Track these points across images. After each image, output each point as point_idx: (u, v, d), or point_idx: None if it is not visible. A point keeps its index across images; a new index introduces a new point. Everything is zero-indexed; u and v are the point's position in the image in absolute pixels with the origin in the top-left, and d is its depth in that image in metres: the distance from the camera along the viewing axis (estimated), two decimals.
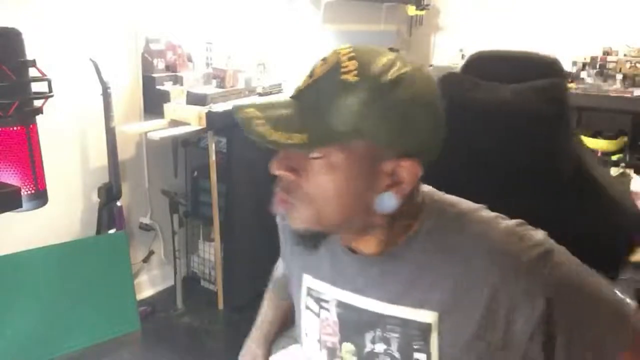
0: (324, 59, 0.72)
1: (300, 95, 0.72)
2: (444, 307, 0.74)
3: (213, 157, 2.57)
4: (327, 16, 3.55)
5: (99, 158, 2.45)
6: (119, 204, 2.43)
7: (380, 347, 0.79)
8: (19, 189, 1.53)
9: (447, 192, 0.82)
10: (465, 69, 1.08)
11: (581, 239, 0.82)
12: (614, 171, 2.71)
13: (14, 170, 1.62)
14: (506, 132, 0.98)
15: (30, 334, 2.02)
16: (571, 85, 3.59)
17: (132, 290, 2.36)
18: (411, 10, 4.21)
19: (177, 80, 2.68)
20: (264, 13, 3.11)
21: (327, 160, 0.69)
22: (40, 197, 1.69)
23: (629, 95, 3.44)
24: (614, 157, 3.56)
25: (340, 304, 0.83)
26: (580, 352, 0.74)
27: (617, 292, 0.78)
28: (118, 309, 2.28)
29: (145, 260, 2.82)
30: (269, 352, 1.12)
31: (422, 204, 0.78)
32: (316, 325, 0.87)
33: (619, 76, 3.61)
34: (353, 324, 0.82)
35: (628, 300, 0.78)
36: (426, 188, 0.81)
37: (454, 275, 0.74)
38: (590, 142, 3.62)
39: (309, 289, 0.88)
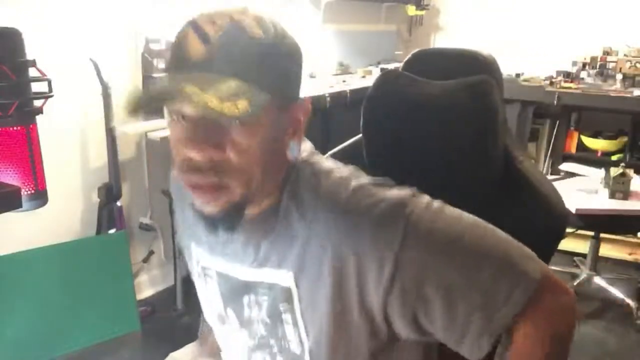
0: (211, 23, 0.65)
1: (203, 62, 0.64)
2: (296, 267, 0.73)
3: None
4: (327, 16, 3.55)
5: (99, 158, 2.45)
6: (119, 204, 2.43)
7: (255, 312, 0.80)
8: (19, 189, 1.53)
9: None
10: (406, 67, 1.09)
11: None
12: (614, 171, 2.71)
13: (14, 170, 1.62)
14: (436, 128, 1.00)
15: (30, 334, 2.02)
16: (571, 85, 3.59)
17: (132, 290, 2.36)
18: (411, 10, 4.21)
19: None
20: (263, 13, 3.10)
21: (255, 123, 0.66)
22: (40, 197, 1.69)
23: (629, 95, 3.44)
24: (614, 157, 3.56)
25: (218, 273, 0.84)
26: (462, 316, 0.67)
27: (521, 251, 0.70)
28: (118, 309, 2.28)
29: (145, 260, 2.82)
30: None
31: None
32: (205, 292, 0.89)
33: (619, 76, 3.61)
34: (230, 291, 0.82)
35: (535, 261, 0.69)
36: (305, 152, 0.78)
37: (302, 235, 0.72)
38: (590, 142, 3.63)
39: (196, 258, 0.89)
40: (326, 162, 0.78)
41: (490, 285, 0.67)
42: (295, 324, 0.76)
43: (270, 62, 0.66)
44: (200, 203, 0.70)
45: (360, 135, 1.08)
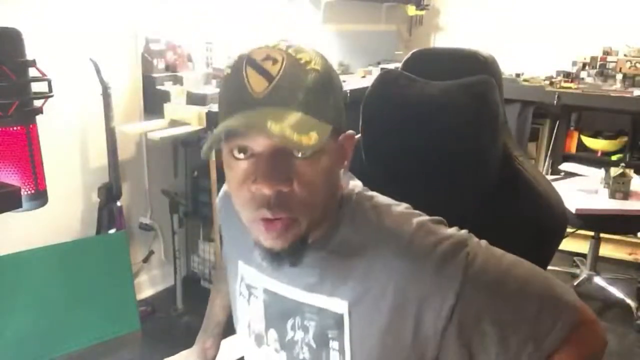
0: (270, 59, 0.67)
1: (268, 98, 0.66)
2: (353, 297, 0.75)
3: (213, 157, 2.56)
4: (327, 16, 3.55)
5: (99, 158, 2.45)
6: (119, 204, 2.43)
7: (299, 335, 0.80)
8: (19, 189, 1.53)
9: (386, 187, 0.84)
10: (405, 67, 1.09)
11: (509, 236, 0.83)
12: (614, 171, 2.71)
13: (14, 170, 1.62)
14: (435, 128, 1.00)
15: (30, 334, 2.02)
16: (571, 85, 3.59)
17: (132, 290, 2.36)
18: (411, 10, 4.21)
19: (177, 80, 2.68)
20: (264, 13, 3.11)
21: (319, 154, 0.68)
22: (40, 197, 1.69)
23: (629, 95, 3.43)
24: (614, 157, 3.56)
25: (266, 291, 0.84)
26: (515, 346, 0.71)
27: (557, 284, 0.75)
28: (118, 309, 2.28)
29: (145, 260, 2.82)
30: (216, 351, 1.11)
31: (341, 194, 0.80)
32: (246, 312, 0.88)
33: (619, 76, 3.61)
34: (276, 311, 0.83)
35: (570, 294, 0.76)
36: (350, 183, 0.83)
37: (363, 266, 0.75)
38: (590, 142, 3.63)
39: (242, 275, 0.89)
40: (381, 196, 0.82)
41: (539, 317, 0.72)
42: (342, 351, 0.76)
43: (328, 93, 0.69)
44: (267, 238, 0.71)
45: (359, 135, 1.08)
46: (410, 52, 1.11)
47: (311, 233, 0.74)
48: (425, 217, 0.78)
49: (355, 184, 0.83)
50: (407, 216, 0.77)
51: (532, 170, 0.99)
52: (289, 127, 0.63)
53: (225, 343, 1.12)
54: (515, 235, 0.78)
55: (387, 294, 0.73)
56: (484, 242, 0.76)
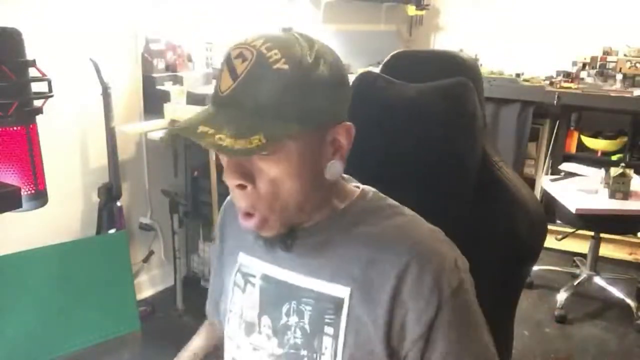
0: (241, 57, 0.68)
1: (229, 98, 0.69)
2: (355, 283, 0.76)
3: (213, 157, 2.56)
4: (327, 16, 3.55)
5: (99, 158, 2.45)
6: (119, 204, 2.43)
7: (293, 320, 0.80)
8: (19, 189, 1.53)
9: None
10: (384, 68, 1.08)
11: (486, 242, 0.84)
12: (614, 171, 2.71)
13: (14, 170, 1.62)
14: (411, 130, 0.99)
15: (30, 334, 2.02)
16: (571, 85, 3.59)
17: (132, 290, 2.36)
18: (411, 10, 4.20)
19: (177, 80, 2.68)
20: (264, 13, 3.11)
21: (279, 153, 0.69)
22: (40, 197, 1.69)
23: (629, 95, 3.44)
24: (614, 157, 3.56)
25: (264, 277, 0.85)
26: None
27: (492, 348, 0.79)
28: (118, 309, 2.28)
29: (145, 260, 2.82)
30: None
31: (352, 186, 0.84)
32: (240, 300, 0.88)
33: (619, 76, 3.61)
34: (272, 297, 0.83)
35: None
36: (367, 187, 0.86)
37: (370, 255, 0.76)
38: (590, 142, 3.63)
39: (240, 265, 0.90)
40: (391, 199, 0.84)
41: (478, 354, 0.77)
42: (335, 337, 0.77)
43: (295, 93, 0.68)
44: (249, 228, 0.75)
45: None
46: (390, 54, 1.10)
47: (304, 220, 0.78)
48: (434, 227, 0.80)
49: (370, 188, 0.85)
50: (421, 220, 0.81)
51: (511, 176, 0.97)
52: (227, 133, 0.65)
53: None
54: (492, 242, 0.78)
55: (387, 288, 0.74)
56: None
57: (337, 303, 0.76)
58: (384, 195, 0.84)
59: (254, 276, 0.86)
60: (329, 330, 0.77)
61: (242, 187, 0.71)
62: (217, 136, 0.65)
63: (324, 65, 0.71)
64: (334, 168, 0.76)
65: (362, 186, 0.85)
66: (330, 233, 0.79)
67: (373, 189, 0.85)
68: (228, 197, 0.97)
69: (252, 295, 0.86)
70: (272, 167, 0.70)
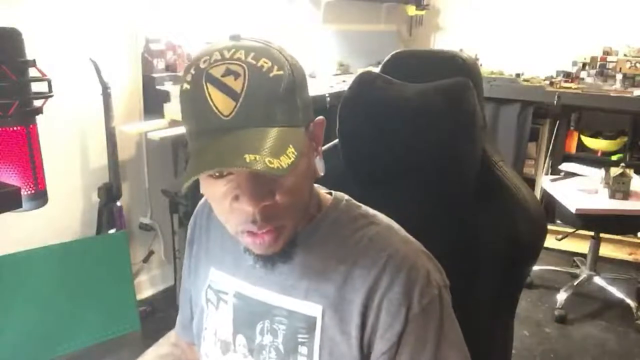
0: (231, 74, 0.64)
1: (237, 119, 0.63)
2: (328, 301, 0.74)
3: None
4: (327, 16, 3.55)
5: (99, 158, 2.45)
6: (119, 204, 2.43)
7: (267, 339, 0.79)
8: (19, 189, 1.53)
9: (364, 190, 0.85)
10: (384, 68, 1.07)
11: (486, 243, 0.83)
12: (614, 171, 2.71)
13: (14, 170, 1.62)
14: (410, 130, 0.98)
15: (30, 334, 2.02)
16: (571, 85, 3.59)
17: (132, 290, 2.36)
18: (411, 10, 4.21)
19: (177, 80, 2.67)
20: (263, 13, 3.11)
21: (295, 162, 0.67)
22: (40, 197, 1.69)
23: (629, 95, 3.44)
24: (614, 157, 3.56)
25: (237, 295, 0.83)
26: None
27: None
28: (118, 309, 2.28)
29: (145, 260, 2.82)
30: None
31: (322, 196, 0.81)
32: (214, 319, 0.86)
33: (619, 76, 3.61)
34: (245, 316, 0.81)
35: None
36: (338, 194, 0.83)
37: (343, 272, 0.75)
38: (590, 142, 3.63)
39: (211, 281, 0.87)
40: (369, 208, 0.82)
41: None
42: (310, 356, 0.75)
43: (295, 94, 0.67)
44: (256, 249, 0.72)
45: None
46: (390, 54, 1.09)
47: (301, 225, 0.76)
48: (410, 237, 0.79)
49: (343, 194, 0.83)
50: (394, 230, 0.79)
51: (511, 176, 0.97)
52: (267, 153, 0.60)
53: None
54: (492, 242, 0.77)
55: (358, 303, 0.73)
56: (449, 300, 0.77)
57: (310, 322, 0.75)
58: (357, 203, 0.82)
59: (226, 293, 0.84)
60: (302, 349, 0.76)
61: (267, 207, 0.67)
62: (267, 159, 0.59)
63: (296, 61, 0.71)
64: (320, 164, 0.75)
65: (334, 193, 0.83)
66: (306, 247, 0.76)
67: (346, 196, 0.83)
68: (197, 209, 0.94)
69: (226, 314, 0.84)
70: (291, 177, 0.67)
